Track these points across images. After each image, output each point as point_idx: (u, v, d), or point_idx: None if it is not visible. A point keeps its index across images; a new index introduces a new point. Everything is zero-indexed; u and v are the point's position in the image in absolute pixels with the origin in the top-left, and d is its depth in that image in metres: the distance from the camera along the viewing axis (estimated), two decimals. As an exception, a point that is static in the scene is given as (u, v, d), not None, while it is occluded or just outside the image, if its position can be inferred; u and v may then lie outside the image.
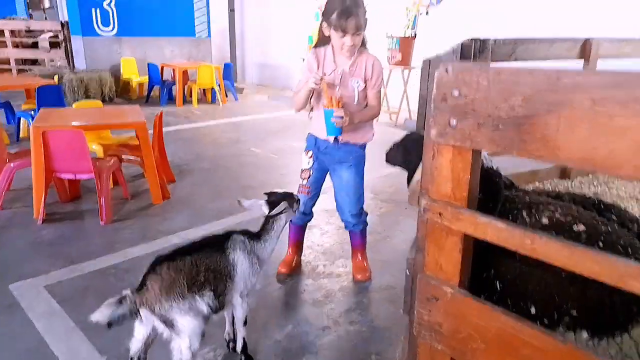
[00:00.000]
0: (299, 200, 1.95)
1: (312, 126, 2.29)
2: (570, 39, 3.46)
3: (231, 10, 10.49)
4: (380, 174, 4.18)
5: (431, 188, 0.97)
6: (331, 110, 2.05)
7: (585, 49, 3.48)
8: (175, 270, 1.50)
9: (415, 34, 6.25)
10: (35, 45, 9.19)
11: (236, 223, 3.07)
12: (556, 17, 5.61)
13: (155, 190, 3.41)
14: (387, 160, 1.73)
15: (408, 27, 6.33)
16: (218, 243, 1.67)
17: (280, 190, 1.93)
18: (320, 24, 2.12)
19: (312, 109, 2.28)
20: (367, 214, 2.44)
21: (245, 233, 1.78)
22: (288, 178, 4.03)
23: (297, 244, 2.55)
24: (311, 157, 2.31)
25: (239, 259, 1.66)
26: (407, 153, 1.53)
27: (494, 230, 0.86)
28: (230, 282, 1.63)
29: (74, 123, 3.11)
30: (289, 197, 1.88)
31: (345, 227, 2.46)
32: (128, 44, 8.15)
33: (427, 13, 6.97)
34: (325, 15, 2.03)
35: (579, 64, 3.29)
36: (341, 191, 2.34)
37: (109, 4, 7.75)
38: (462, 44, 1.54)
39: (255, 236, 1.80)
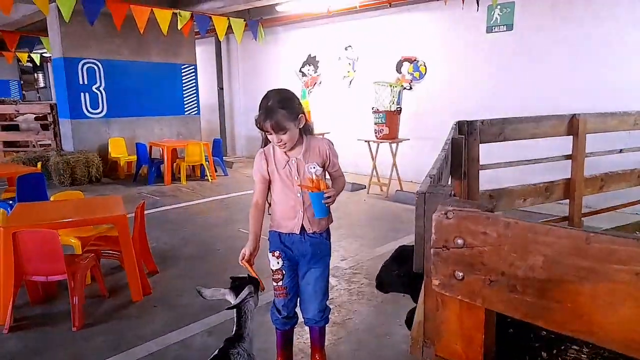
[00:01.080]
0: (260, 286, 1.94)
1: (274, 221, 2.17)
2: (556, 116, 3.48)
3: (220, 89, 10.77)
4: (374, 254, 4.00)
5: (438, 344, 0.81)
6: (320, 193, 1.96)
7: (572, 125, 3.46)
8: None
9: (400, 109, 6.36)
10: (17, 128, 9.32)
11: (220, 322, 2.82)
12: (538, 89, 5.77)
13: (134, 286, 3.18)
14: (380, 287, 1.60)
15: (393, 103, 6.45)
16: None
17: (243, 275, 1.94)
18: None
19: (270, 205, 2.17)
20: (330, 309, 2.32)
21: (233, 340, 1.75)
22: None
23: (286, 352, 2.32)
24: (279, 256, 2.15)
25: None
26: (405, 274, 1.38)
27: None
28: None
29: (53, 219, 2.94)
30: (254, 281, 1.89)
31: (306, 323, 2.29)
32: (117, 125, 8.19)
33: (410, 88, 7.17)
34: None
35: (567, 140, 3.31)
36: (309, 288, 2.19)
37: (97, 88, 7.88)
38: (452, 138, 1.45)
39: (240, 338, 1.77)
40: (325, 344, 2.63)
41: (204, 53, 10.52)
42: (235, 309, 1.81)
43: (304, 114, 2.06)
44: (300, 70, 8.97)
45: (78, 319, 2.79)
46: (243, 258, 2.05)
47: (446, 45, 6.71)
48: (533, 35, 5.77)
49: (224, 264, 3.90)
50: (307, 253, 2.15)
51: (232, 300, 1.85)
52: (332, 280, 3.46)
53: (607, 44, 5.20)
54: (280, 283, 2.18)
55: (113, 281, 3.48)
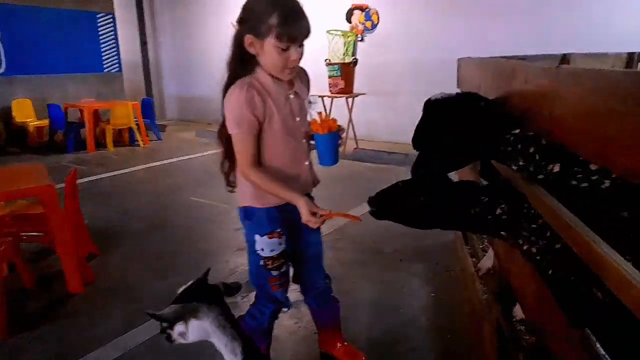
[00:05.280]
0: (236, 287, 1.31)
1: (260, 193, 1.51)
2: (548, 56, 3.23)
3: (143, 43, 9.53)
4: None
5: None
6: (335, 133, 1.52)
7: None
8: None
9: (357, 60, 5.89)
10: None
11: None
12: (501, 34, 5.55)
13: (73, 275, 2.50)
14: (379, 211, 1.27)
15: (347, 54, 5.96)
16: None
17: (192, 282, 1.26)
18: (239, 39, 1.40)
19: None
20: None
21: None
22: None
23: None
24: (280, 236, 1.58)
25: None
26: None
27: None
28: None
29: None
30: (206, 292, 1.22)
31: (317, 301, 1.83)
32: (21, 84, 6.90)
33: (362, 39, 6.70)
34: (252, 22, 1.36)
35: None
36: (315, 249, 1.73)
37: (-6, 38, 6.52)
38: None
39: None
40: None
41: (122, 0, 9.18)
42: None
43: None
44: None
45: (0, 327, 2.10)
46: (317, 216, 1.42)
47: (400, -9, 6.28)
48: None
49: (183, 239, 3.29)
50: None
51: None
52: (316, 249, 3.02)
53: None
54: (283, 269, 1.63)
55: (39, 269, 2.76)
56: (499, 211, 1.23)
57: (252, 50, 1.39)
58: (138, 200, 4.29)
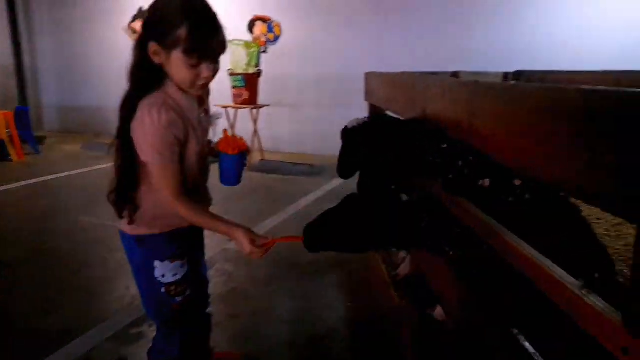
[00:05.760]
0: None
1: (159, 219, 1.37)
2: (441, 73, 3.49)
3: (16, 44, 8.44)
4: (263, 230, 3.49)
5: None
6: (243, 153, 1.48)
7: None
8: None
9: (261, 71, 5.84)
10: None
11: (88, 350, 2.02)
12: (400, 49, 5.90)
13: None
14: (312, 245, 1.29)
15: (250, 65, 5.88)
16: None
17: None
18: (143, 48, 1.23)
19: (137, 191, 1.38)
20: None
21: None
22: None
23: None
24: (183, 258, 1.43)
25: None
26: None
27: None
28: None
29: None
30: None
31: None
32: None
33: (265, 51, 6.67)
34: (158, 29, 1.20)
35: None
36: (204, 271, 1.66)
37: None
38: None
39: None
40: (252, 348, 2.10)
41: (-14, -4, 8.07)
42: None
43: None
44: (129, 26, 7.58)
45: None
46: (256, 250, 1.31)
47: (301, 4, 6.39)
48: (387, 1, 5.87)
49: (72, 266, 2.91)
50: (200, 243, 1.61)
51: None
52: (229, 266, 2.88)
53: (457, 12, 5.57)
54: (187, 293, 1.46)
55: None
56: (423, 224, 1.27)
57: (157, 60, 1.22)
58: (13, 224, 3.72)
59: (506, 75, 4.10)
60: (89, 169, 5.68)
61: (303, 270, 2.83)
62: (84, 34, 8.01)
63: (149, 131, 1.21)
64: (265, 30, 6.63)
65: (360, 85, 2.91)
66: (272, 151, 6.42)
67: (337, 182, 5.00)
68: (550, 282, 0.79)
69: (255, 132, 5.88)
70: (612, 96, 0.64)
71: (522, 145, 0.90)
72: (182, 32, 1.16)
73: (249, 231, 1.32)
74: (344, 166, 1.50)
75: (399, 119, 1.57)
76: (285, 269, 2.84)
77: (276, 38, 6.61)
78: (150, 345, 1.61)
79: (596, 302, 0.65)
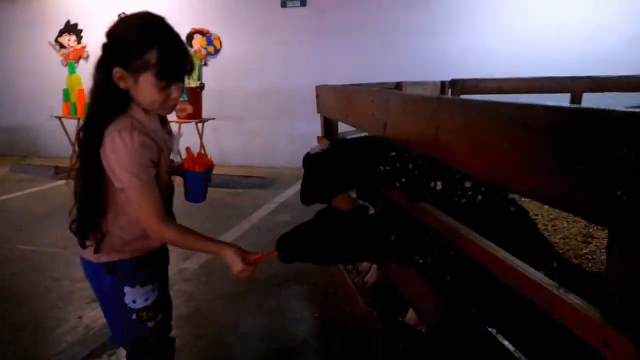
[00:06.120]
0: None
1: (142, 237, 1.34)
2: (382, 84, 3.64)
3: None
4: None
5: None
6: (209, 170, 1.48)
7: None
8: None
9: (203, 85, 5.74)
10: None
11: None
12: (332, 66, 6.03)
13: None
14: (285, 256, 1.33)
15: (192, 79, 5.77)
16: None
17: None
18: (105, 71, 1.20)
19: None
20: None
21: None
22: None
23: None
24: (153, 282, 1.41)
25: None
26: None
27: None
28: None
29: None
30: None
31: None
32: None
33: (205, 64, 6.58)
34: (122, 54, 1.19)
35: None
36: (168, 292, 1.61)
37: None
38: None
39: None
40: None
41: None
42: None
43: None
44: (56, 41, 7.15)
45: None
46: (247, 268, 1.28)
47: (240, 18, 6.37)
48: (327, 13, 6.01)
49: (14, 299, 2.69)
50: (165, 251, 1.54)
51: None
52: (188, 286, 2.80)
53: (394, 26, 5.82)
54: (159, 318, 1.43)
55: None
56: (393, 237, 1.32)
57: (122, 85, 1.20)
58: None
59: (443, 84, 4.36)
60: (18, 193, 5.27)
61: (265, 284, 2.81)
62: (6, 49, 7.45)
63: (123, 155, 1.18)
64: (204, 43, 6.54)
65: (304, 98, 2.95)
66: (220, 164, 6.29)
67: (289, 193, 5.02)
68: (526, 282, 0.86)
69: (202, 146, 5.76)
70: (576, 113, 0.73)
71: (491, 157, 0.98)
72: (152, 56, 1.16)
73: (239, 249, 1.30)
74: (308, 192, 1.53)
75: (354, 139, 1.64)
76: (246, 285, 2.81)
77: (217, 51, 6.53)
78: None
79: (575, 300, 0.73)
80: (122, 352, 2.13)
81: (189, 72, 1.26)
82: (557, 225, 3.16)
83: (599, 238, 3.00)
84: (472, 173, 1.12)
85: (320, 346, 2.16)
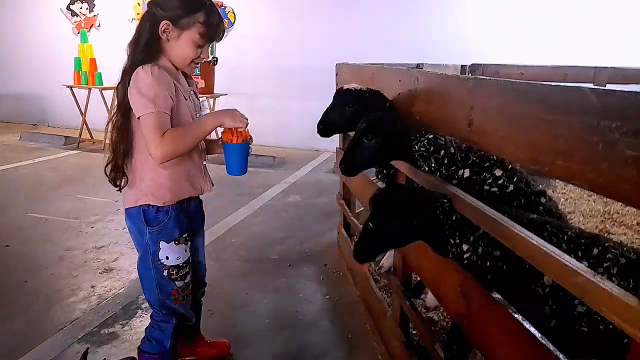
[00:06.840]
0: None
1: (174, 187, 1.45)
2: (405, 64, 3.56)
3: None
4: (230, 225, 3.44)
5: None
6: (247, 142, 1.50)
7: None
8: None
9: (217, 59, 5.67)
10: None
11: (57, 354, 1.90)
12: (361, 39, 5.90)
13: None
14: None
15: (205, 52, 5.69)
16: None
17: None
18: (153, 21, 1.35)
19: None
20: None
21: None
22: (116, 249, 2.87)
23: None
24: (187, 242, 1.54)
25: None
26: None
27: None
28: None
29: None
30: None
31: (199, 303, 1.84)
32: None
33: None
34: (174, 10, 1.34)
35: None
36: (200, 253, 1.74)
37: None
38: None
39: None
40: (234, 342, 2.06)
41: None
42: None
43: None
44: (68, 8, 7.07)
45: None
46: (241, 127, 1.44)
47: (257, -7, 6.24)
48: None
49: (26, 266, 2.70)
50: (201, 220, 1.70)
51: None
52: (199, 262, 2.80)
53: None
54: (187, 280, 1.56)
55: None
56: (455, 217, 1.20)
57: (163, 37, 1.36)
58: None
59: (463, 68, 4.27)
60: (29, 161, 5.28)
61: (275, 265, 2.81)
62: (15, 15, 7.37)
63: (142, 83, 1.29)
64: (219, 16, 6.42)
65: (320, 77, 2.86)
66: (230, 142, 6.27)
67: (300, 174, 4.99)
68: (560, 269, 0.83)
69: (212, 122, 5.72)
70: (629, 97, 0.69)
71: (529, 140, 0.94)
72: (200, 17, 1.35)
73: (230, 110, 1.44)
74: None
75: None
76: (257, 264, 2.81)
77: (230, 24, 6.42)
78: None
79: (611, 287, 0.70)
80: (135, 322, 2.16)
81: (221, 38, 1.43)
82: (573, 219, 3.12)
83: (615, 234, 2.96)
84: (507, 157, 1.08)
85: (330, 328, 2.15)
